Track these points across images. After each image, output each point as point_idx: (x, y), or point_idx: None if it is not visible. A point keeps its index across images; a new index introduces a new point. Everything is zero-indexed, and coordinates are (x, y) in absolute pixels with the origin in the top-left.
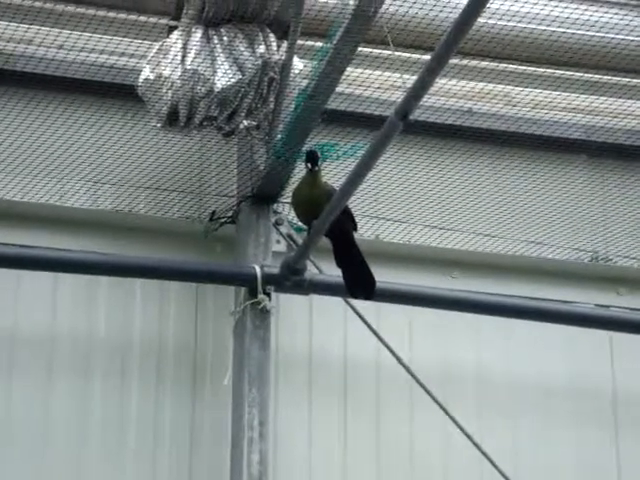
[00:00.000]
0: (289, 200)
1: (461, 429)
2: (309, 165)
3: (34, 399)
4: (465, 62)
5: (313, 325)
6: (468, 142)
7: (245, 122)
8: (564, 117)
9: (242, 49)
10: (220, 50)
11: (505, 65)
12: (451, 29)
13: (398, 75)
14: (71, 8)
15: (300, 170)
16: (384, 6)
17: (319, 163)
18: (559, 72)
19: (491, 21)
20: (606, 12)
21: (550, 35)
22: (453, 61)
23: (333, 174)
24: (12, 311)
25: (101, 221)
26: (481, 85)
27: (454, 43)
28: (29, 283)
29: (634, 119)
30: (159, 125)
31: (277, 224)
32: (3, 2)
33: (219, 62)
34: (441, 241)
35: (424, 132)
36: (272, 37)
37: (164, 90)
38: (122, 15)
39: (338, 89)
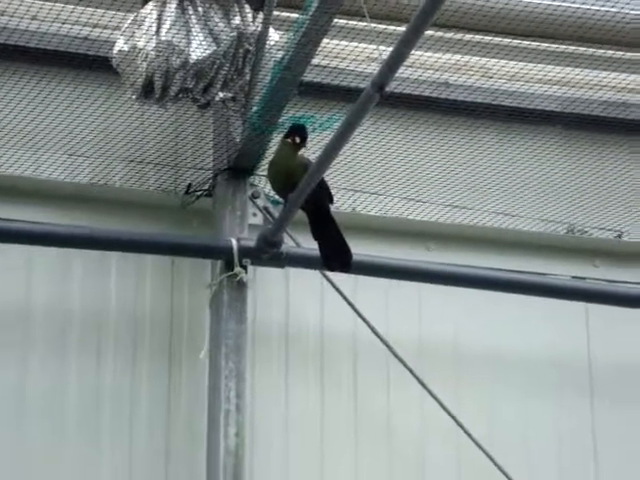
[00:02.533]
0: (265, 173)
1: (438, 401)
2: (297, 139)
3: (10, 374)
4: (441, 34)
5: (290, 298)
6: (444, 114)
7: (221, 94)
8: (540, 89)
9: (217, 20)
10: (195, 21)
11: (481, 37)
12: (427, 0)
13: (374, 47)
14: None
15: (276, 143)
16: None
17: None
18: (535, 44)
19: None
20: None
21: (526, 6)
22: (429, 33)
23: (309, 146)
24: None
25: (76, 193)
26: (457, 57)
27: (430, 14)
28: (2, 257)
29: (609, 90)
30: (134, 97)
31: (253, 197)
32: None
33: (194, 33)
34: (417, 213)
35: (400, 104)
36: (247, 8)
37: (139, 62)
38: None
39: (314, 61)
